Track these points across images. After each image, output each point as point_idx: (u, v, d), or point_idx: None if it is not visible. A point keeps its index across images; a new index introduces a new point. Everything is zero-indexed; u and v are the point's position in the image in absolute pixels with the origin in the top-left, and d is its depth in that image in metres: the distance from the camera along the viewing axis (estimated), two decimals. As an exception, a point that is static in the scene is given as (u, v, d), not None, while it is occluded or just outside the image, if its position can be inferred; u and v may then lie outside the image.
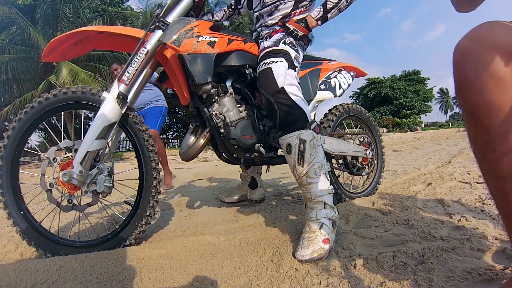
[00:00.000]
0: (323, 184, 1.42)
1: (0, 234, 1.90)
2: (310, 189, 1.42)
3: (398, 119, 37.21)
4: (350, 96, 45.35)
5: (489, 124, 0.62)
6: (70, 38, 1.52)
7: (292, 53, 1.62)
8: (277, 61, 1.54)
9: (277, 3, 1.76)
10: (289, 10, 1.76)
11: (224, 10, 2.14)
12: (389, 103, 41.17)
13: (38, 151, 1.70)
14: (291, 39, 1.67)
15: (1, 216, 2.41)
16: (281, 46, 1.62)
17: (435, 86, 46.15)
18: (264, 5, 1.80)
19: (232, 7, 2.12)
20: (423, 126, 41.77)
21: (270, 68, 1.52)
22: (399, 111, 40.17)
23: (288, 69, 1.54)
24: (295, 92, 1.49)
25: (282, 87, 1.47)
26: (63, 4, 13.42)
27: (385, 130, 29.53)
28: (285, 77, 1.50)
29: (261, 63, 1.57)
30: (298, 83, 1.59)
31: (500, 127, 0.60)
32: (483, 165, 0.68)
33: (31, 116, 1.40)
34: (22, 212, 1.38)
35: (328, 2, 1.65)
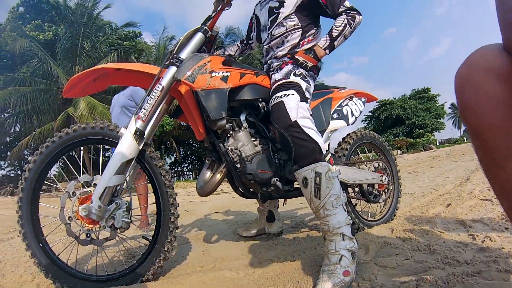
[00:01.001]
0: (341, 215, 1.41)
1: (17, 263, 1.93)
2: (328, 221, 1.40)
3: (411, 139, 36.64)
4: (362, 120, 45.14)
5: (492, 144, 0.63)
6: (89, 75, 1.59)
7: (303, 85, 1.65)
8: (288, 94, 1.56)
9: (285, 35, 1.81)
10: (297, 41, 1.80)
11: (237, 45, 2.21)
12: (401, 123, 40.76)
13: (56, 182, 1.74)
14: (301, 70, 1.70)
15: (19, 245, 2.45)
16: (292, 78, 1.65)
17: (446, 102, 45.77)
18: (272, 38, 1.86)
19: (244, 42, 2.19)
20: (437, 144, 41.04)
21: (282, 101, 1.54)
22: (412, 131, 39.66)
23: (300, 101, 1.56)
24: (308, 125, 1.50)
25: (295, 121, 1.48)
26: (81, 39, 14.08)
27: (399, 151, 29.07)
28: (297, 110, 1.51)
29: (273, 97, 1.60)
30: (311, 114, 1.60)
31: (505, 148, 0.62)
32: (494, 185, 0.69)
33: (52, 150, 1.45)
34: (40, 244, 1.41)
35: (333, 31, 1.69)
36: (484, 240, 1.52)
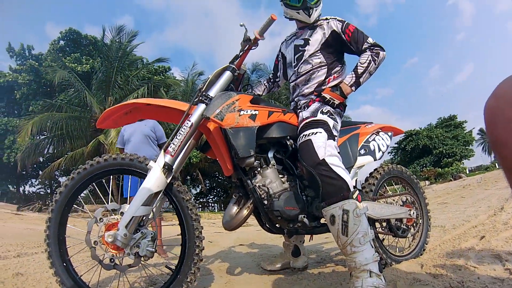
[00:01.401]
0: (368, 252, 1.40)
1: (39, 279, 1.97)
2: (355, 258, 1.39)
3: (440, 169, 35.33)
4: (389, 153, 44.31)
5: None
6: (121, 109, 1.67)
7: (331, 123, 1.67)
8: (316, 133, 1.58)
9: (311, 72, 1.86)
10: (323, 78, 1.85)
11: (264, 84, 2.27)
12: (428, 153, 39.55)
13: (83, 205, 1.80)
14: (328, 108, 1.73)
15: (42, 261, 2.50)
16: (319, 116, 1.68)
17: (474, 128, 44.14)
18: (299, 75, 1.91)
19: (271, 80, 2.25)
20: (467, 172, 39.25)
21: (310, 140, 1.56)
22: (439, 160, 38.33)
23: (327, 139, 1.58)
24: (336, 163, 1.51)
25: (323, 159, 1.50)
26: (115, 73, 14.95)
27: (427, 182, 28.04)
28: (325, 148, 1.53)
29: (301, 135, 1.63)
30: (338, 152, 1.61)
31: None
32: None
33: (83, 176, 1.52)
34: (64, 264, 1.46)
35: (358, 67, 1.73)
36: (522, 275, 1.43)
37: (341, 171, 1.50)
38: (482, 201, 5.16)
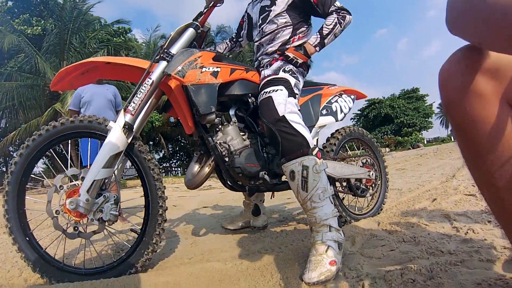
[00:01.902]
0: (328, 207, 1.44)
1: (4, 259, 1.90)
2: (315, 213, 1.43)
3: (400, 138, 37.12)
4: (351, 118, 45.58)
5: (475, 137, 0.66)
6: (78, 68, 1.58)
7: (292, 81, 1.67)
8: (277, 90, 1.58)
9: (275, 31, 1.83)
10: (287, 37, 1.83)
11: (226, 43, 2.23)
12: (390, 122, 41.25)
13: (44, 177, 1.72)
14: (291, 67, 1.73)
15: (5, 241, 2.41)
16: (281, 74, 1.68)
17: (434, 102, 46.41)
18: (263, 35, 1.88)
19: (234, 39, 2.21)
20: (425, 142, 41.61)
21: (270, 97, 1.56)
22: (400, 129, 40.18)
23: (288, 97, 1.58)
24: (296, 120, 1.52)
25: (283, 116, 1.50)
26: (70, 35, 13.83)
27: (387, 149, 29.43)
28: (285, 105, 1.54)
29: (262, 92, 1.62)
30: (299, 110, 1.62)
31: (487, 140, 0.65)
32: (475, 176, 0.71)
33: (39, 143, 1.43)
34: (27, 238, 1.40)
35: (323, 29, 1.72)
36: (467, 232, 1.56)
37: (301, 128, 1.51)
38: (436, 169, 5.49)
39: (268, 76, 1.68)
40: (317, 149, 1.52)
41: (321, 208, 1.42)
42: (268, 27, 1.86)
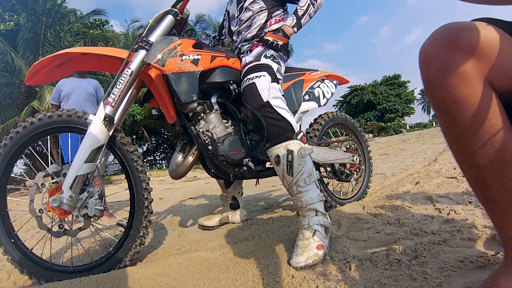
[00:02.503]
0: (314, 192, 1.45)
1: None
2: (301, 198, 1.44)
3: (383, 124, 37.79)
4: (333, 105, 45.97)
5: (457, 117, 0.66)
6: (53, 60, 1.53)
7: (274, 66, 1.67)
8: (260, 76, 1.58)
9: (251, 17, 1.85)
10: (263, 21, 1.84)
11: (210, 39, 2.24)
12: (372, 108, 41.84)
13: (25, 177, 1.67)
14: (272, 52, 1.73)
15: None
16: (263, 60, 1.67)
17: (416, 88, 47.27)
18: (241, 23, 1.89)
19: (216, 37, 2.22)
20: (408, 128, 42.54)
21: (254, 83, 1.56)
22: (383, 115, 40.84)
23: (271, 82, 1.58)
24: (280, 105, 1.53)
25: (267, 101, 1.50)
26: (44, 29, 13.36)
27: (371, 135, 29.93)
28: (269, 91, 1.54)
29: (245, 79, 1.62)
30: (282, 95, 1.63)
31: (469, 120, 0.65)
32: (457, 156, 0.72)
33: (17, 141, 1.38)
34: (12, 240, 1.36)
35: (298, 10, 1.75)
36: (449, 213, 1.61)
37: (285, 112, 1.52)
38: (419, 154, 5.62)
39: (250, 62, 1.68)
40: (301, 133, 1.53)
41: (307, 193, 1.43)
42: (244, 15, 1.87)
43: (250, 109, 1.54)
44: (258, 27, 1.84)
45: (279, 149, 1.46)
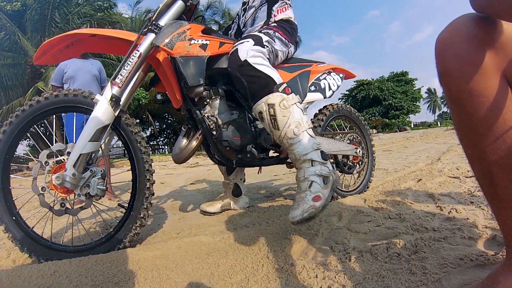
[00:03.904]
0: (306, 141, 1.38)
1: None
2: (294, 150, 1.38)
3: (387, 120, 37.63)
4: (339, 98, 45.73)
5: (471, 110, 0.65)
6: (62, 41, 1.53)
7: (264, 37, 1.64)
8: (243, 42, 1.55)
9: (254, 14, 1.90)
10: (265, 14, 1.86)
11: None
12: (378, 104, 41.59)
13: (29, 155, 1.68)
14: (268, 30, 1.72)
15: None
16: (255, 32, 1.68)
17: (422, 86, 46.86)
18: (246, 21, 1.94)
19: None
20: (412, 126, 42.29)
21: (236, 48, 1.52)
22: (388, 111, 40.61)
23: (254, 45, 1.54)
24: (259, 62, 1.49)
25: (245, 60, 1.47)
26: (51, 10, 13.31)
27: (374, 131, 29.82)
28: (248, 51, 1.50)
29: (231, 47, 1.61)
30: (268, 58, 1.60)
31: (483, 114, 0.64)
32: (468, 150, 0.71)
33: (22, 119, 1.39)
34: (14, 218, 1.37)
35: None
36: (450, 211, 1.60)
37: (265, 68, 1.49)
38: (422, 152, 5.58)
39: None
40: (284, 85, 1.50)
41: (299, 143, 1.37)
42: (248, 14, 1.91)
43: (230, 72, 1.51)
44: (263, 22, 1.85)
45: (260, 105, 1.42)
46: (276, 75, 1.49)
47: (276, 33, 1.75)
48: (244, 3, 1.98)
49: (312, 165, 1.34)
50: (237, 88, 1.57)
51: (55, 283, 1.10)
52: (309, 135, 1.41)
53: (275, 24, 1.80)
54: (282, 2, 1.87)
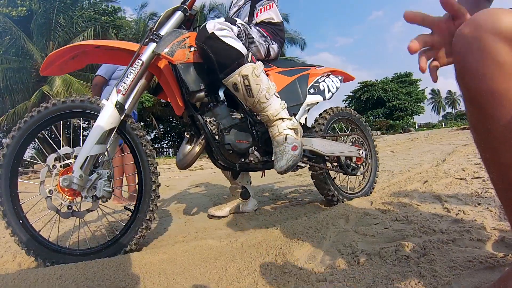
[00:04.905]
0: (275, 103, 1.57)
1: None
2: (267, 112, 1.55)
3: (391, 121, 37.55)
4: (343, 100, 45.74)
5: (492, 111, 0.61)
6: (67, 53, 1.57)
7: (239, 21, 1.68)
8: (215, 19, 1.59)
9: (237, 12, 1.95)
10: (248, 11, 1.90)
11: None
12: (382, 105, 41.51)
13: (36, 159, 1.69)
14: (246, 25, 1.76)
15: None
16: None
17: (427, 87, 46.76)
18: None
19: None
20: (416, 127, 42.19)
21: (205, 23, 1.54)
22: (392, 113, 40.51)
23: (223, 21, 1.57)
24: (225, 34, 1.52)
25: (212, 32, 1.49)
26: (56, 14, 13.46)
27: (379, 132, 29.73)
28: (215, 24, 1.52)
29: None
30: (237, 36, 1.61)
31: (504, 115, 0.60)
32: (485, 154, 0.67)
33: (30, 125, 1.41)
34: (21, 221, 1.38)
35: None
36: (458, 213, 1.58)
37: (231, 40, 1.51)
38: (427, 153, 5.54)
39: None
40: (250, 54, 1.55)
41: (271, 106, 1.55)
42: (232, 11, 1.97)
43: (198, 45, 1.53)
44: (246, 19, 1.88)
45: (234, 77, 1.50)
46: (241, 46, 1.54)
47: (257, 27, 1.80)
48: (231, 3, 2.03)
49: (283, 122, 1.56)
50: (204, 61, 1.58)
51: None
52: (276, 95, 1.59)
53: (257, 27, 1.82)
54: (267, 0, 1.90)
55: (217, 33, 1.50)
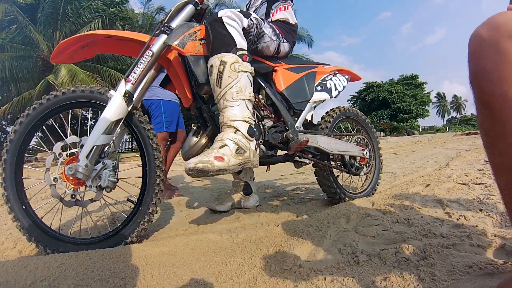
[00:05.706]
0: (238, 109, 1.44)
1: None
2: (224, 112, 1.45)
3: (395, 123, 37.42)
4: (348, 100, 45.61)
5: (505, 116, 0.59)
6: (78, 41, 1.58)
7: (254, 15, 1.68)
8: (229, 10, 1.59)
9: (255, 12, 1.95)
10: (264, 12, 1.91)
11: None
12: (387, 107, 41.36)
13: (43, 146, 1.71)
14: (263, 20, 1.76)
15: (0, 213, 2.41)
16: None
17: (432, 91, 46.57)
18: None
19: None
20: (420, 130, 42.01)
21: (220, 10, 1.56)
22: (396, 115, 40.37)
23: (237, 12, 1.58)
24: (231, 23, 1.52)
25: (220, 17, 1.50)
26: (63, 4, 13.44)
27: (382, 134, 29.64)
28: (226, 12, 1.53)
29: None
30: (246, 29, 1.61)
31: None
32: (495, 159, 0.65)
33: (39, 112, 1.42)
34: (24, 207, 1.39)
35: None
36: (459, 218, 1.58)
37: (233, 30, 1.51)
38: (430, 157, 5.52)
39: None
40: (243, 51, 1.52)
41: (231, 108, 1.44)
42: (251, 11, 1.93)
43: (204, 24, 1.55)
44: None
45: (214, 59, 1.46)
46: (240, 40, 1.52)
47: (270, 24, 1.79)
48: (247, 3, 2.03)
49: (234, 133, 1.42)
50: (205, 39, 1.58)
51: (61, 276, 1.10)
52: (246, 105, 1.47)
53: (271, 23, 1.82)
54: (282, 1, 1.90)
55: (225, 19, 1.50)
